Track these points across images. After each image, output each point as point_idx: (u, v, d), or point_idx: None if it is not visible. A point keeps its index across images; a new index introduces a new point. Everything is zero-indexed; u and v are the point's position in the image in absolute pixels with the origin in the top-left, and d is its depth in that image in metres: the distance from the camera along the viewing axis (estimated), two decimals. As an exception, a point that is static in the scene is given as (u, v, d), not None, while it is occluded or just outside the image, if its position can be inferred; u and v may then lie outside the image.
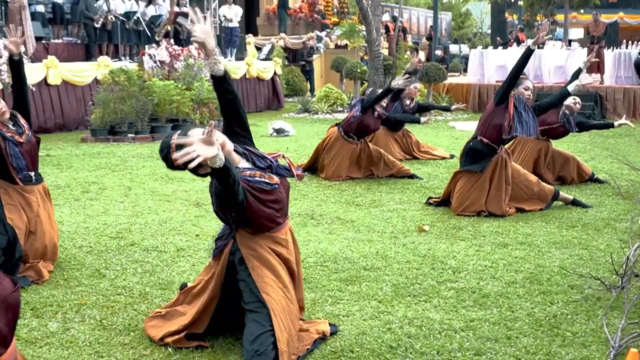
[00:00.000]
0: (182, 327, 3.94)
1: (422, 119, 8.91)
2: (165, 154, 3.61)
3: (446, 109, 10.87)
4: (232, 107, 3.87)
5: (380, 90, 8.93)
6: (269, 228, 3.90)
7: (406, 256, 5.65)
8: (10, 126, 5.12)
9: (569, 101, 8.52)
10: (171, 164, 3.60)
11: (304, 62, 23.24)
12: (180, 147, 3.40)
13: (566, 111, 8.52)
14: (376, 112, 8.85)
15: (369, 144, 9.16)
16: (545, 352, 3.90)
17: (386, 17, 26.48)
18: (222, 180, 3.48)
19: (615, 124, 8.60)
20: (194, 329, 3.93)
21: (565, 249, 5.88)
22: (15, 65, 5.17)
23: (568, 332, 4.17)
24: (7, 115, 5.11)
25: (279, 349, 3.56)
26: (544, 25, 7.08)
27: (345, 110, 17.82)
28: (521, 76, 7.17)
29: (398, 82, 8.88)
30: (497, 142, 7.10)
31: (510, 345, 3.98)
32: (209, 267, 4.07)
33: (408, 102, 10.41)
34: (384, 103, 9.07)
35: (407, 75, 9.07)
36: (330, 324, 4.16)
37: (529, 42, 7.11)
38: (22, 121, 5.23)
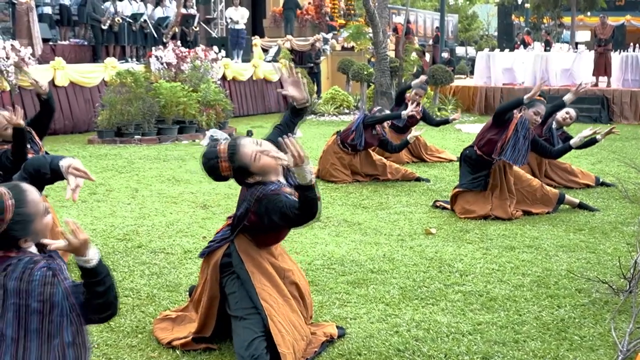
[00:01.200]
0: (190, 334, 3.94)
1: (409, 136, 8.90)
2: (213, 164, 3.62)
3: (446, 122, 10.84)
4: None
5: (387, 112, 8.89)
6: (275, 243, 3.97)
7: (413, 259, 5.65)
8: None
9: (560, 114, 8.42)
10: (218, 175, 3.65)
11: (312, 65, 23.22)
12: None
13: (553, 124, 8.40)
14: (375, 131, 8.85)
15: (373, 153, 9.14)
16: (553, 356, 3.90)
17: (398, 20, 26.49)
18: (310, 200, 3.42)
19: (599, 137, 8.34)
20: (202, 333, 3.94)
21: (572, 253, 5.87)
22: (45, 103, 5.36)
23: (576, 336, 4.17)
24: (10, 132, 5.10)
25: (281, 352, 3.56)
26: (538, 85, 6.89)
27: (351, 113, 17.85)
28: (537, 97, 7.00)
29: (408, 111, 8.87)
30: (490, 156, 7.07)
31: (517, 349, 3.98)
32: (201, 270, 4.04)
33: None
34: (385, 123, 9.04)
35: (415, 105, 9.08)
36: (337, 327, 4.16)
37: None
38: (37, 138, 5.31)
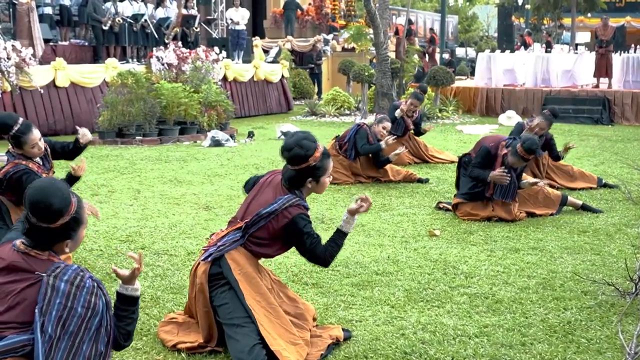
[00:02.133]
0: (196, 341, 3.93)
1: (391, 155, 8.82)
2: (311, 146, 3.81)
3: (421, 133, 10.80)
4: None
5: (375, 145, 8.74)
6: (266, 258, 4.15)
7: (418, 261, 5.63)
8: (39, 161, 5.22)
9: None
10: (301, 156, 3.78)
11: (312, 65, 23.21)
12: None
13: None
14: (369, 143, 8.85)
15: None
16: (560, 359, 3.88)
17: (398, 21, 26.46)
18: (339, 247, 3.95)
19: (561, 154, 8.37)
20: (209, 344, 3.92)
21: (577, 255, 5.85)
22: (79, 148, 5.62)
23: (583, 338, 4.15)
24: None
25: (275, 350, 3.60)
26: (501, 177, 6.83)
27: (352, 114, 17.82)
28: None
29: (387, 141, 8.78)
30: None
31: (525, 352, 3.96)
32: (190, 282, 4.02)
33: (409, 115, 10.40)
34: (384, 130, 8.91)
35: (392, 137, 8.94)
36: (343, 329, 4.14)
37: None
38: (50, 157, 5.40)
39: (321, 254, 3.87)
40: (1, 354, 2.57)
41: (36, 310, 2.63)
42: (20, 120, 5.08)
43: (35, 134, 5.09)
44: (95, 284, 2.75)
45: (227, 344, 3.75)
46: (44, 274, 2.69)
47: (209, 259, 3.87)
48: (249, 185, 4.27)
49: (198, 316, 3.94)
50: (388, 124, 8.94)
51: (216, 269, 3.83)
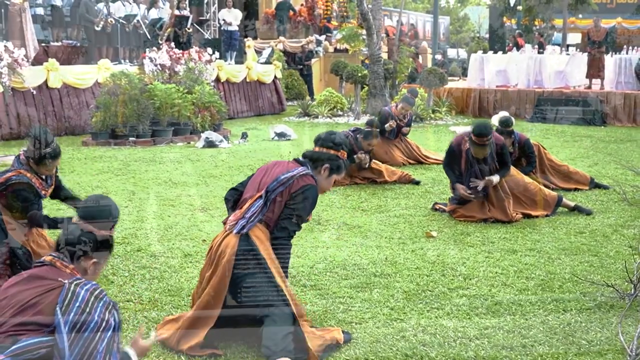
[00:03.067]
0: (193, 311, 3.93)
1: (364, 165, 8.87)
2: (346, 144, 4.18)
3: (404, 134, 10.81)
4: None
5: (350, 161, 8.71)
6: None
7: (416, 262, 5.61)
8: (43, 175, 5.14)
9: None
10: (338, 143, 4.12)
11: (301, 66, 23.19)
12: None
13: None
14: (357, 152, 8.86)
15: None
16: (562, 361, 3.88)
17: (390, 22, 26.48)
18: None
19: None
20: (208, 307, 3.90)
21: (574, 256, 5.84)
22: (74, 203, 5.35)
23: (583, 340, 4.14)
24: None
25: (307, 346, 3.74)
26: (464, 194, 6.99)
27: (345, 115, 17.79)
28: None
29: (360, 157, 8.75)
30: None
31: (525, 354, 3.95)
32: (209, 263, 4.01)
33: (400, 118, 10.39)
34: (369, 146, 8.88)
35: (363, 155, 8.89)
36: (343, 332, 4.13)
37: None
38: (54, 180, 5.30)
39: (289, 234, 4.00)
40: (18, 355, 2.58)
41: (57, 309, 2.70)
42: (55, 144, 5.00)
43: (58, 161, 5.06)
44: (111, 303, 2.83)
45: (264, 322, 3.75)
46: (65, 281, 2.76)
47: (244, 230, 3.91)
48: (232, 193, 4.29)
49: (207, 288, 3.91)
50: (375, 141, 8.93)
51: (245, 245, 3.88)
